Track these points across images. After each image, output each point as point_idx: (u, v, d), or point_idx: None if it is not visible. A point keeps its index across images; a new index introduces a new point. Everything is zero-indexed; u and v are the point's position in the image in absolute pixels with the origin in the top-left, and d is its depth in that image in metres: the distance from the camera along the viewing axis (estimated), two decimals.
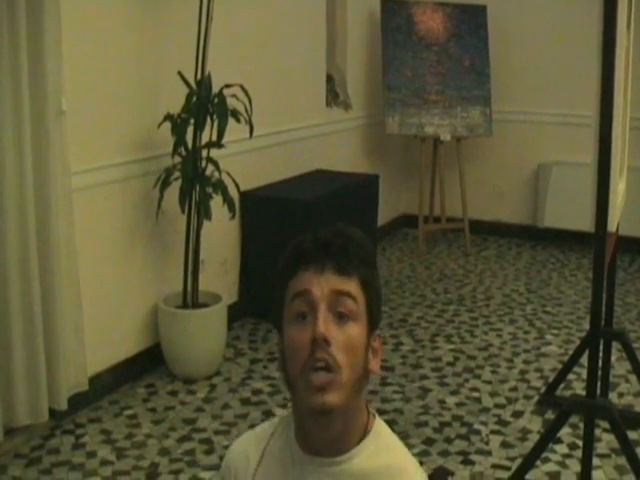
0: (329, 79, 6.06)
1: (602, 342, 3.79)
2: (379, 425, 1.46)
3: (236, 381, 4.09)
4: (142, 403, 3.88)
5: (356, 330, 1.36)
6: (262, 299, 4.79)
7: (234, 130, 4.13)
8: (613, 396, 3.98)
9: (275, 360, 4.18)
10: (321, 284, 1.35)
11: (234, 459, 1.53)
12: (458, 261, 6.26)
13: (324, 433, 1.38)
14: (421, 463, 3.32)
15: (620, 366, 4.25)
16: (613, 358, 4.19)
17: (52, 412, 3.53)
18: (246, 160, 4.80)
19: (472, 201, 6.60)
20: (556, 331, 4.83)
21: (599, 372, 3.77)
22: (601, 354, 3.77)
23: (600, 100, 2.89)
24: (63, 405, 3.53)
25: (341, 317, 1.35)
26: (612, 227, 3.09)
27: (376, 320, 1.42)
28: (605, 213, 2.98)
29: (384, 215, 6.59)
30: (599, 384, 3.78)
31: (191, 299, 4.17)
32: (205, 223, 4.11)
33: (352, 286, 1.36)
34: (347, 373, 1.33)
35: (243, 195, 4.78)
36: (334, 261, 1.36)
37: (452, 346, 4.60)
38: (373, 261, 1.44)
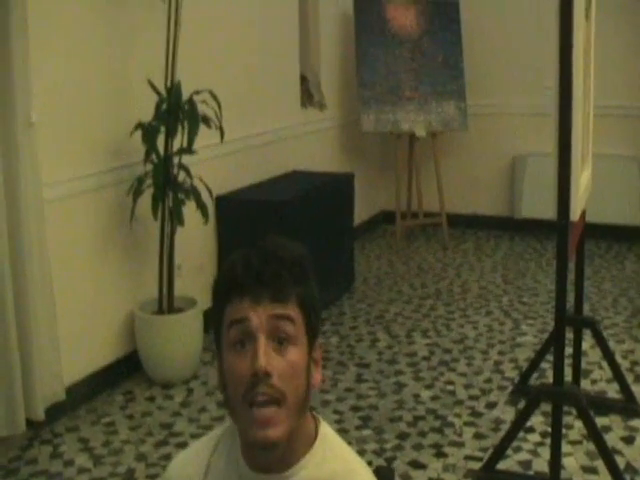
0: (303, 80, 6.10)
1: (573, 330, 3.85)
2: (325, 430, 1.45)
3: (213, 384, 4.13)
4: (120, 410, 3.91)
5: (297, 354, 1.34)
6: None
7: (206, 135, 4.18)
8: (586, 383, 4.03)
9: None
10: (258, 312, 1.32)
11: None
12: (436, 255, 6.31)
13: (269, 456, 1.37)
14: (394, 458, 3.40)
15: (594, 353, 4.29)
16: (587, 345, 4.25)
17: (30, 423, 3.56)
18: (220, 164, 4.84)
19: (449, 195, 6.66)
20: (532, 321, 4.88)
21: (571, 360, 3.84)
22: (572, 342, 3.83)
23: (559, 92, 2.93)
24: (40, 416, 3.55)
25: (281, 342, 1.33)
26: (575, 216, 3.14)
27: (315, 333, 1.41)
28: (567, 202, 3.02)
29: (363, 212, 6.65)
30: (571, 371, 3.85)
31: (167, 304, 4.21)
32: (181, 228, 4.14)
33: (289, 309, 1.34)
34: (291, 400, 1.32)
35: (218, 199, 4.82)
36: (269, 290, 1.33)
37: (428, 340, 4.65)
38: (308, 274, 1.41)
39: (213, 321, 1.41)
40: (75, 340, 3.89)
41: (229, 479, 1.43)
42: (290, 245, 1.41)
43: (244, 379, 1.30)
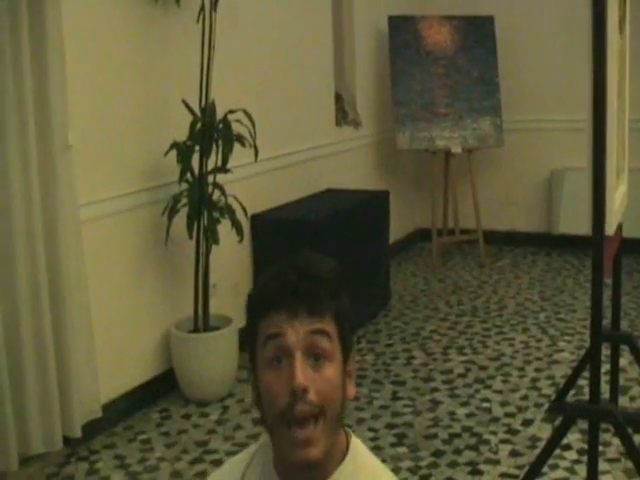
0: (338, 98, 6.12)
1: (610, 346, 3.81)
2: (355, 444, 1.46)
3: (248, 402, 4.14)
4: (156, 428, 3.94)
5: (332, 370, 1.35)
6: None
7: (241, 154, 4.21)
8: (625, 400, 3.98)
9: None
10: (295, 327, 1.32)
11: None
12: (472, 272, 6.29)
13: (306, 472, 1.37)
14: (430, 475, 3.38)
15: (633, 370, 4.24)
16: (625, 362, 4.20)
17: (67, 440, 3.60)
18: (255, 183, 4.87)
19: (485, 211, 6.63)
20: (569, 337, 4.84)
21: (608, 376, 3.79)
22: (610, 358, 3.79)
23: (592, 105, 2.91)
24: (77, 433, 3.59)
25: (317, 358, 1.34)
26: (610, 231, 3.11)
27: (349, 347, 1.41)
28: (601, 216, 3.00)
29: (399, 230, 6.64)
30: (609, 388, 3.80)
31: (202, 323, 4.24)
32: (216, 247, 4.17)
33: (326, 323, 1.35)
34: (328, 416, 1.33)
35: (253, 218, 4.85)
36: (306, 304, 1.34)
37: (464, 358, 4.63)
38: (342, 289, 1.42)
39: (247, 337, 1.42)
40: (112, 358, 3.93)
41: None
42: (323, 260, 1.43)
43: (282, 396, 1.31)
